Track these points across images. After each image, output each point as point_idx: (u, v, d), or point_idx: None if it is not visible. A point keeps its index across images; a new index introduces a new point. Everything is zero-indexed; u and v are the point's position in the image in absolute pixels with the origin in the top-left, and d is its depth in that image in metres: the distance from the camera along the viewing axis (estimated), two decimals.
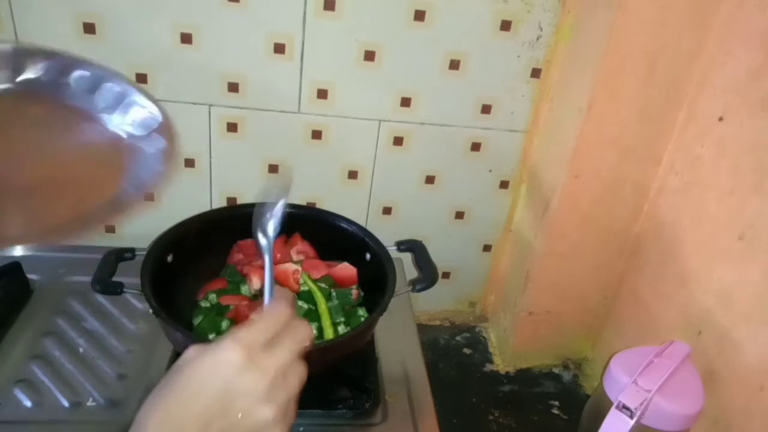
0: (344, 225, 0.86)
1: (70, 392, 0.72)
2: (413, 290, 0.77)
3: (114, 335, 0.81)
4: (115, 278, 0.72)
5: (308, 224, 0.87)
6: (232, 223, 0.87)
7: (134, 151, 0.49)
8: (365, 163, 1.01)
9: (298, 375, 0.43)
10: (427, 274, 0.79)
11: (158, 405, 0.40)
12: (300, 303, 0.77)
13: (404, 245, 0.85)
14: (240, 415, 0.39)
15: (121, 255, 0.76)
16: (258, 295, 0.79)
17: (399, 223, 1.07)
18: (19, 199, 0.43)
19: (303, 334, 0.44)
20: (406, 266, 0.98)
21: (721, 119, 0.77)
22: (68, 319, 0.82)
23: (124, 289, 0.70)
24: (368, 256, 0.83)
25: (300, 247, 0.87)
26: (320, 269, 0.83)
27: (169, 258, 0.77)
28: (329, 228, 0.87)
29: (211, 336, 0.74)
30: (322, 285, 0.80)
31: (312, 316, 0.77)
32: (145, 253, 0.75)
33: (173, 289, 0.77)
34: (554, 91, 0.95)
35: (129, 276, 0.72)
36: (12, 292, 0.83)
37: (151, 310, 0.67)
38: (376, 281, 0.78)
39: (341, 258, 0.85)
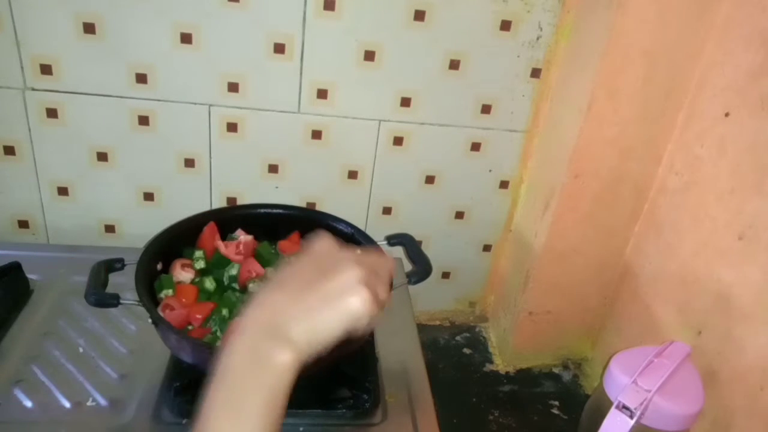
0: (341, 227, 0.86)
1: (70, 392, 0.71)
2: (408, 283, 0.76)
3: (114, 335, 0.81)
4: (108, 287, 0.70)
5: (308, 225, 0.87)
6: (232, 222, 0.86)
7: None
8: (365, 163, 1.01)
9: (388, 269, 0.50)
10: (421, 266, 0.79)
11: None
12: None
13: (395, 239, 0.85)
14: (335, 276, 0.45)
15: (111, 266, 0.74)
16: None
17: (399, 223, 1.07)
18: None
19: (391, 266, 0.51)
20: (406, 266, 0.97)
21: (727, 115, 0.77)
22: (68, 319, 0.82)
23: (121, 301, 0.68)
24: None
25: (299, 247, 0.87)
26: None
27: (158, 267, 0.77)
28: (327, 230, 0.86)
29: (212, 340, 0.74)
30: None
31: None
32: (136, 261, 0.73)
33: None
34: (554, 91, 0.95)
35: (122, 281, 0.72)
36: (12, 292, 0.82)
37: (150, 320, 0.67)
38: None
39: None
